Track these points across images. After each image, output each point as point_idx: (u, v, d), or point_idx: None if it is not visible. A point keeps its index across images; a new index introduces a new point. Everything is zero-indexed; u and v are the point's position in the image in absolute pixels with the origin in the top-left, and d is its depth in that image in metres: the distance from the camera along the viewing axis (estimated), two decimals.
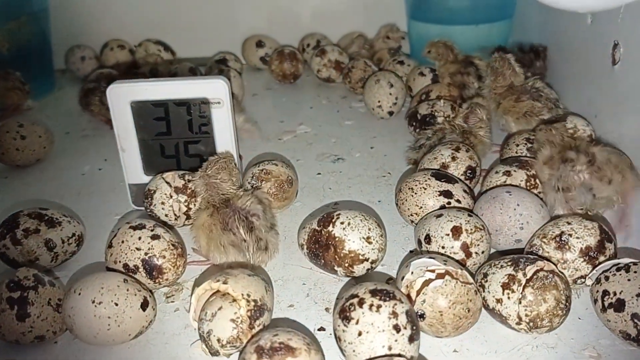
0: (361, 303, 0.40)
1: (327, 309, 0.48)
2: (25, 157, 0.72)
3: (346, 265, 0.48)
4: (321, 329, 0.46)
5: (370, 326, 0.39)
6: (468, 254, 0.48)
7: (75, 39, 1.03)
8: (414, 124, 0.72)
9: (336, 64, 0.91)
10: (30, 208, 0.53)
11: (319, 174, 0.68)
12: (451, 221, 0.49)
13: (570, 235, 0.45)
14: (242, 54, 1.02)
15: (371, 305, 0.39)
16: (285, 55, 0.93)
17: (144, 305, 0.44)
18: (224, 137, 0.59)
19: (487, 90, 0.68)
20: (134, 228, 0.49)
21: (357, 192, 0.63)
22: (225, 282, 0.42)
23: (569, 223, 0.46)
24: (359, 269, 0.49)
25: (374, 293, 0.40)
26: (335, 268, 0.49)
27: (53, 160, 0.75)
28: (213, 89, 0.57)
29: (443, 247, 0.49)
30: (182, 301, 0.49)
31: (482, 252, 0.48)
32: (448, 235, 0.48)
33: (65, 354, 0.44)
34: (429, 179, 0.54)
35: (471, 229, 0.48)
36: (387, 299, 0.40)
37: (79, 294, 0.43)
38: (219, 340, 0.41)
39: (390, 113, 0.78)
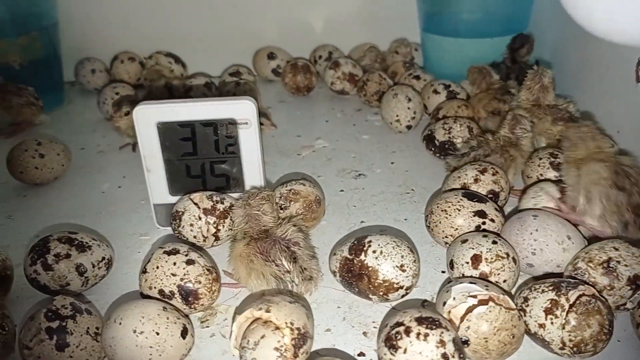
0: (408, 331, 0.40)
1: (364, 334, 0.47)
2: (44, 176, 0.71)
3: (381, 293, 0.48)
4: (361, 354, 0.45)
5: (419, 355, 0.39)
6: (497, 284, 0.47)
7: (85, 52, 1.02)
8: (433, 148, 0.72)
9: (350, 76, 0.91)
10: (59, 232, 0.53)
11: (342, 190, 0.67)
12: (472, 248, 0.49)
13: (618, 262, 0.45)
14: (254, 65, 1.02)
15: (418, 334, 0.39)
16: (298, 67, 0.93)
17: (184, 333, 0.44)
18: (251, 157, 0.58)
19: (517, 107, 0.68)
20: (168, 253, 0.49)
21: (382, 210, 0.63)
22: (267, 310, 0.42)
23: (616, 249, 0.46)
24: (394, 296, 0.49)
25: (419, 321, 0.40)
26: (370, 296, 0.49)
27: (71, 178, 0.74)
28: (240, 110, 0.57)
29: (463, 275, 0.49)
30: (217, 326, 0.49)
31: (504, 281, 0.48)
32: (468, 263, 0.48)
33: None
34: (461, 199, 0.54)
35: (492, 258, 0.48)
36: (434, 327, 0.40)
37: (120, 323, 0.42)
38: None
39: (409, 127, 0.78)
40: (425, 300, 0.50)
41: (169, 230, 0.61)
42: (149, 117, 0.57)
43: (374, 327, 0.48)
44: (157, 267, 0.48)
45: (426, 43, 0.94)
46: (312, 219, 0.58)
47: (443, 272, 0.54)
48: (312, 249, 0.53)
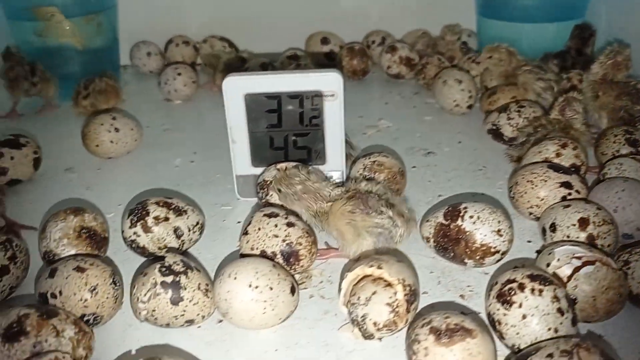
0: (522, 287, 0.41)
1: (462, 296, 0.48)
2: (118, 150, 0.73)
3: (477, 257, 0.49)
4: (462, 313, 0.46)
5: (535, 309, 0.40)
6: (594, 247, 0.48)
7: (140, 35, 1.04)
8: (501, 142, 0.72)
9: (407, 60, 0.92)
10: (156, 197, 0.54)
11: (414, 167, 0.68)
12: (579, 212, 0.50)
13: None
14: (306, 50, 1.03)
15: (532, 290, 0.40)
16: (355, 51, 0.94)
17: (293, 290, 0.45)
18: (334, 130, 0.60)
19: (587, 81, 0.69)
20: (269, 216, 0.50)
21: (457, 185, 0.64)
22: (379, 267, 0.43)
23: None
24: (490, 261, 0.50)
25: (532, 278, 0.41)
26: (466, 260, 0.50)
27: (143, 153, 0.75)
28: (327, 82, 0.58)
29: (568, 237, 0.49)
30: (314, 288, 0.50)
31: (609, 246, 0.49)
32: (574, 225, 0.49)
33: (211, 338, 0.45)
34: (547, 170, 0.55)
35: (599, 222, 0.49)
36: (547, 283, 0.41)
37: (235, 278, 0.43)
38: (375, 323, 0.42)
39: (470, 106, 0.79)
40: (516, 266, 0.51)
41: (250, 201, 0.62)
42: (237, 88, 0.58)
43: (470, 291, 0.49)
44: (259, 229, 0.50)
45: (482, 28, 0.94)
46: (395, 190, 0.59)
47: (529, 241, 0.55)
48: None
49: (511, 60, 0.80)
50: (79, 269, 0.45)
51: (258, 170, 0.61)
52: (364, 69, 0.94)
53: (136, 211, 0.52)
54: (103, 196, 0.65)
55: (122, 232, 0.52)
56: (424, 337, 0.38)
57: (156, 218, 0.52)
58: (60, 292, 0.44)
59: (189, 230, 0.53)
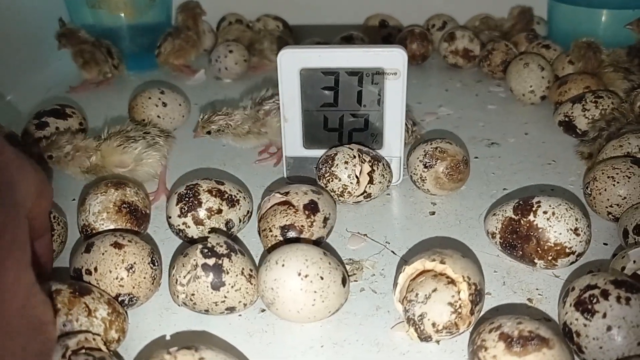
0: (605, 295, 0.36)
1: (529, 300, 0.43)
2: (165, 125, 0.70)
3: (549, 258, 0.44)
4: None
5: (622, 320, 0.35)
6: None
7: None
8: (573, 135, 0.66)
9: (464, 52, 0.87)
10: (207, 181, 0.50)
11: (477, 157, 0.63)
12: None
13: None
14: (364, 33, 0.98)
15: (619, 297, 0.35)
16: (416, 34, 0.89)
17: (344, 281, 0.41)
18: (394, 110, 0.55)
19: None
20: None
21: (524, 179, 0.59)
22: (442, 262, 0.39)
23: None
24: (563, 263, 0.45)
25: (617, 284, 0.36)
26: (536, 260, 0.45)
27: (189, 130, 0.72)
28: (391, 59, 0.53)
29: None
30: (365, 281, 0.46)
31: None
32: None
33: (253, 328, 0.42)
34: (630, 166, 0.49)
35: None
36: (635, 291, 0.36)
37: (283, 265, 0.40)
38: (433, 324, 0.38)
39: (543, 97, 0.74)
40: (591, 270, 0.46)
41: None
42: (293, 62, 0.54)
43: (539, 295, 0.44)
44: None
45: (554, 13, 0.88)
46: (457, 180, 0.54)
47: (605, 244, 0.49)
48: None
49: (591, 58, 0.74)
50: (117, 245, 0.42)
51: (309, 152, 0.58)
52: (424, 53, 0.89)
53: (186, 199, 0.48)
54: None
55: (169, 217, 0.49)
56: (492, 343, 0.34)
57: (209, 210, 0.48)
58: (96, 269, 0.41)
59: (240, 222, 0.50)
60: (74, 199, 0.58)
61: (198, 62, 0.92)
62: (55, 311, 0.36)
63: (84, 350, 0.34)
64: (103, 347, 0.35)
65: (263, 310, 0.43)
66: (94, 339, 0.35)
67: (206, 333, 0.41)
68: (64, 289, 0.38)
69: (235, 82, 0.88)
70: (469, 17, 0.98)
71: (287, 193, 0.47)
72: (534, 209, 0.45)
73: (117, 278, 0.41)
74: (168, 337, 0.41)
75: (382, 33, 0.96)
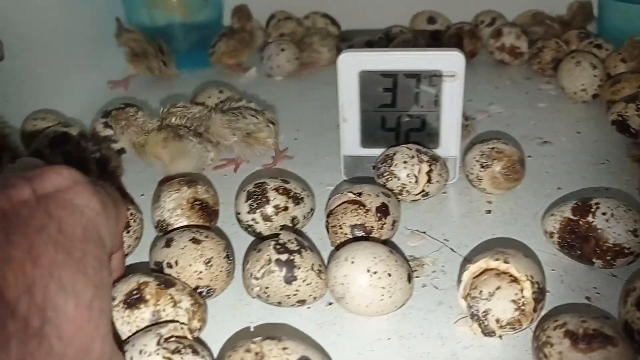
0: None
1: (587, 298, 0.45)
2: None
3: (607, 258, 0.46)
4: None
5: None
6: None
7: None
8: (628, 136, 0.66)
9: (510, 49, 0.87)
10: (274, 179, 0.52)
11: (530, 156, 0.65)
12: None
13: None
14: (411, 29, 0.99)
15: None
16: (464, 31, 0.90)
17: (409, 278, 0.43)
18: (451, 112, 0.57)
19: None
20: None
21: (578, 179, 0.60)
22: (506, 261, 0.41)
23: None
24: (621, 263, 0.46)
25: None
26: (594, 260, 0.46)
27: None
28: (449, 61, 0.55)
29: None
30: (427, 277, 0.48)
31: None
32: None
33: (322, 320, 0.44)
34: None
35: None
36: None
37: (352, 262, 0.42)
38: (497, 320, 0.40)
39: (595, 96, 0.74)
40: None
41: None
42: (352, 64, 0.56)
43: (597, 294, 0.45)
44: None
45: (605, 10, 0.88)
46: (514, 180, 0.56)
47: None
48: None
49: None
50: (195, 241, 0.45)
51: (367, 151, 0.60)
52: (473, 50, 0.90)
53: (255, 196, 0.51)
54: (208, 168, 0.66)
55: (239, 213, 0.52)
56: (557, 340, 0.35)
57: (276, 207, 0.50)
58: (176, 262, 0.44)
59: (304, 218, 0.52)
60: (142, 194, 0.61)
61: (249, 59, 0.95)
62: (144, 301, 0.39)
63: (173, 338, 0.37)
64: (189, 336, 0.38)
65: (330, 304, 0.46)
66: (181, 328, 0.38)
67: (286, 325, 0.44)
68: (151, 281, 0.40)
69: (286, 79, 0.91)
70: (518, 14, 0.98)
71: (360, 194, 0.49)
72: (592, 210, 0.46)
73: (196, 271, 0.44)
74: (252, 329, 0.44)
75: (429, 29, 0.97)
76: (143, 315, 0.39)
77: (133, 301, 0.39)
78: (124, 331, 0.39)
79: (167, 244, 0.45)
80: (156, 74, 0.88)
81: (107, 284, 0.33)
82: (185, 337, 0.38)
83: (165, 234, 0.48)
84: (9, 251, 0.28)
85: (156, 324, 0.39)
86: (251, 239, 0.53)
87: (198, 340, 0.41)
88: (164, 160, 0.60)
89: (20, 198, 0.30)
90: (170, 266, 0.44)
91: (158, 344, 0.35)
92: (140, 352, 0.35)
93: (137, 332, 0.38)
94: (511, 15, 0.99)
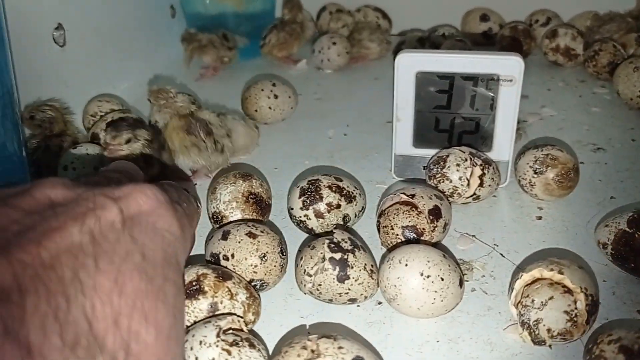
0: None
1: (639, 312, 0.45)
2: (275, 116, 0.74)
3: None
4: None
5: None
6: None
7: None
8: None
9: (565, 50, 0.86)
10: (327, 177, 0.53)
11: (582, 162, 0.64)
12: None
13: None
14: (463, 27, 0.99)
15: None
16: (518, 31, 0.89)
17: (461, 283, 0.44)
18: (506, 116, 0.57)
19: None
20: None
21: (632, 188, 0.59)
22: (560, 272, 0.41)
23: None
24: None
25: None
26: None
27: (297, 121, 0.76)
28: (507, 66, 0.55)
29: None
30: (476, 282, 0.49)
31: None
32: None
33: (371, 319, 0.45)
34: None
35: None
36: None
37: (406, 264, 0.43)
38: (549, 330, 0.40)
39: None
40: None
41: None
42: (410, 65, 0.56)
43: None
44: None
45: None
46: (567, 187, 0.55)
47: None
48: (229, 131, 0.63)
49: None
50: (251, 235, 0.46)
51: (418, 151, 0.60)
52: (526, 50, 0.89)
53: (309, 193, 0.51)
54: (259, 160, 0.67)
55: (291, 209, 0.53)
56: (611, 355, 0.36)
57: (329, 205, 0.51)
58: (232, 255, 0.45)
59: (355, 216, 0.53)
60: (196, 184, 0.62)
61: (299, 51, 0.96)
62: (203, 292, 0.40)
63: (231, 331, 0.38)
64: (245, 329, 0.39)
65: (380, 303, 0.46)
66: (238, 321, 0.39)
67: (339, 325, 0.45)
68: (209, 273, 0.42)
69: (335, 72, 0.91)
70: (574, 14, 0.97)
71: (412, 195, 0.50)
72: None
73: (251, 265, 0.45)
74: (307, 327, 0.45)
75: (481, 27, 0.97)
76: (201, 306, 0.40)
77: (192, 292, 0.41)
78: None
79: (224, 237, 0.47)
80: (226, 62, 0.90)
81: (184, 310, 0.33)
82: (242, 330, 0.39)
83: (221, 226, 0.49)
84: (98, 279, 0.28)
85: (214, 315, 0.40)
86: (301, 233, 0.54)
87: (253, 333, 0.42)
88: (171, 147, 0.61)
89: (108, 220, 0.30)
90: (226, 258, 0.46)
91: (217, 336, 0.37)
92: (201, 343, 0.36)
93: (195, 322, 0.40)
94: (566, 16, 0.97)
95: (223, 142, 0.62)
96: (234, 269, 0.45)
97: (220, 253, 0.46)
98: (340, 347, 0.36)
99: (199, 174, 0.63)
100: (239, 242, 0.46)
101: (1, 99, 0.40)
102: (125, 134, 0.57)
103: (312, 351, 0.35)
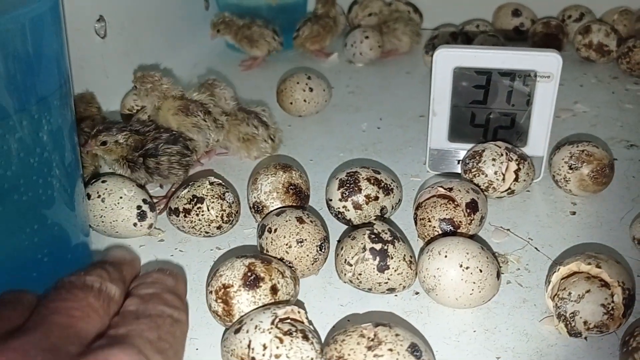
0: None
1: None
2: (309, 109, 0.75)
3: None
4: None
5: None
6: None
7: None
8: None
9: (598, 47, 0.86)
10: (365, 169, 0.54)
11: (615, 159, 0.64)
12: None
13: None
14: (494, 22, 0.99)
15: None
16: (551, 27, 0.89)
17: (498, 275, 0.45)
18: (542, 112, 0.57)
19: None
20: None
21: None
22: (598, 266, 0.42)
23: None
24: None
25: None
26: None
27: (331, 114, 0.77)
28: (545, 62, 0.56)
29: None
30: (511, 274, 0.50)
31: None
32: None
33: (409, 308, 0.46)
34: None
35: None
36: None
37: (445, 256, 0.44)
38: (585, 322, 0.41)
39: None
40: None
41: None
42: (448, 60, 0.57)
43: None
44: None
45: None
46: (602, 183, 0.56)
47: None
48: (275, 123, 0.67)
49: None
50: (300, 220, 0.48)
51: (453, 145, 0.61)
52: (558, 46, 0.89)
53: (347, 185, 0.53)
54: (295, 152, 0.68)
55: (330, 200, 0.54)
56: None
57: (367, 197, 0.52)
58: (275, 230, 0.48)
59: (392, 208, 0.54)
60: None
61: (331, 45, 0.97)
62: (261, 279, 0.42)
63: (289, 320, 0.39)
64: (305, 321, 0.40)
65: (417, 293, 0.48)
66: (298, 312, 0.39)
67: (392, 314, 0.46)
68: (255, 260, 0.43)
69: (367, 66, 0.92)
70: (607, 9, 0.96)
71: (450, 189, 0.51)
72: None
73: (286, 244, 0.47)
74: (361, 313, 0.46)
75: (513, 23, 0.97)
76: (265, 292, 0.42)
77: (252, 282, 0.42)
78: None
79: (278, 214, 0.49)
80: (274, 54, 0.91)
81: None
82: (300, 321, 0.39)
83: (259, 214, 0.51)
84: None
85: (274, 303, 0.41)
86: (339, 224, 0.55)
87: (310, 324, 0.43)
88: (171, 129, 0.61)
89: None
90: (270, 231, 0.48)
91: (272, 323, 0.38)
92: (256, 327, 0.37)
93: (258, 307, 0.41)
94: (599, 11, 0.97)
95: (276, 134, 0.67)
96: (272, 242, 0.47)
97: (267, 225, 0.48)
98: (397, 335, 0.37)
99: (210, 154, 0.66)
100: (287, 221, 0.48)
101: (61, 88, 0.41)
102: (103, 136, 0.56)
103: (371, 339, 0.36)
